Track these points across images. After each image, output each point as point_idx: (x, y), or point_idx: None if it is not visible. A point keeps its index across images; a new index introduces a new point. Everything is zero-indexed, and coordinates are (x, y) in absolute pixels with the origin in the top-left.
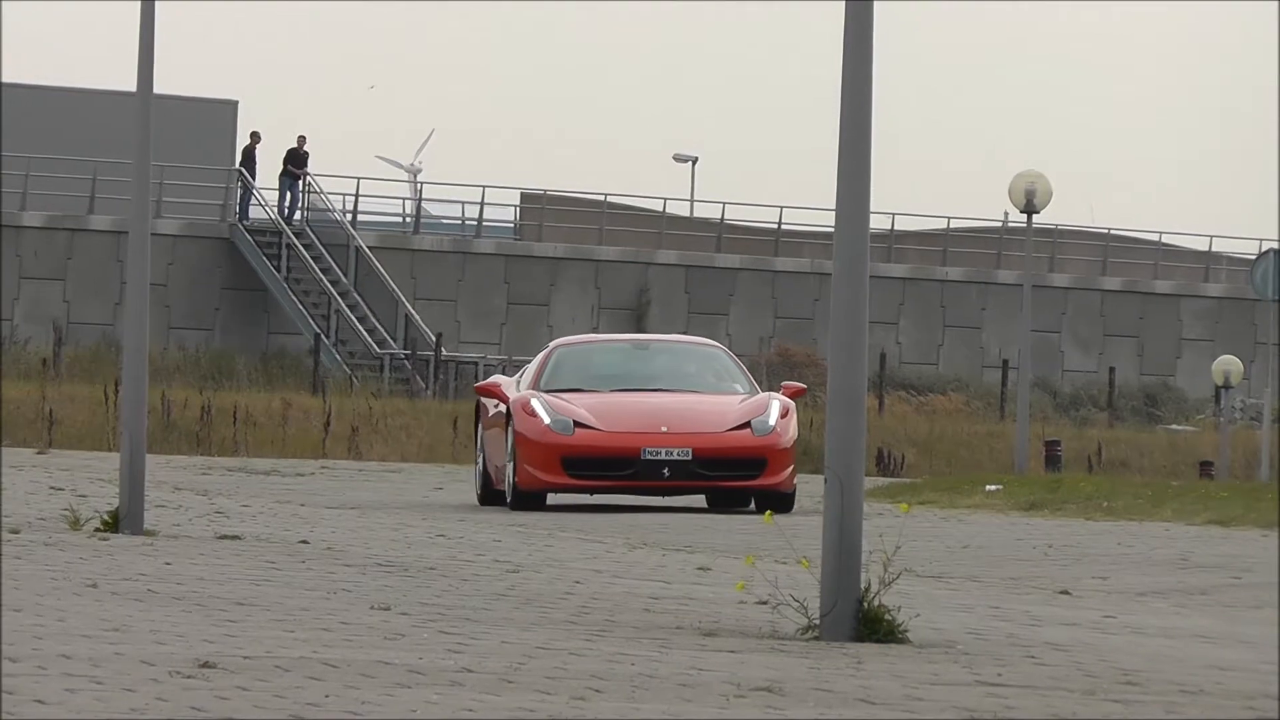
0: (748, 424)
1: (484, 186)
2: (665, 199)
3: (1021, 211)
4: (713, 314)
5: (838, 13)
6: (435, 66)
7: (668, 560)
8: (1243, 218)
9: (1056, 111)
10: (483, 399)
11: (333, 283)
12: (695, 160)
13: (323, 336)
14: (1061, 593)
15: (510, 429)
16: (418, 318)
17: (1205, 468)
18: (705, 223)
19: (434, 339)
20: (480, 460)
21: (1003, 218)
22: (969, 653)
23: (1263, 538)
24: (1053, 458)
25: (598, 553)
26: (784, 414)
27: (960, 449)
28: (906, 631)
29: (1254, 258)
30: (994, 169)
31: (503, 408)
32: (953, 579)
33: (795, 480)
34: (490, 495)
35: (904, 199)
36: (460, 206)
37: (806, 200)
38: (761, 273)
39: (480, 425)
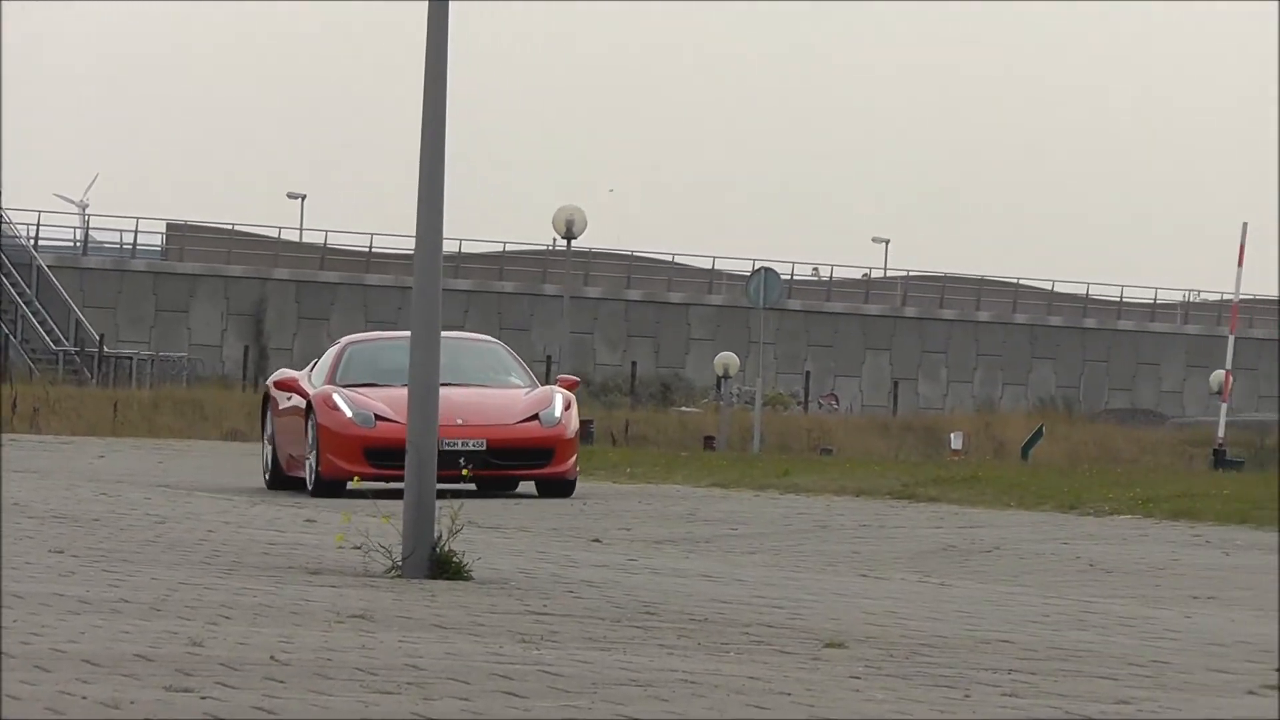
0: (536, 416)
1: (138, 217)
2: (280, 227)
3: (563, 237)
4: (317, 319)
5: (417, 65)
6: (101, 120)
7: (282, 514)
8: (741, 240)
9: (597, 149)
10: (273, 392)
11: (19, 294)
12: (304, 197)
13: (10, 336)
14: (594, 540)
15: (311, 421)
16: (86, 322)
17: (709, 441)
18: (312, 246)
19: (98, 338)
20: (269, 449)
21: (550, 242)
22: (520, 588)
23: (754, 497)
24: (587, 434)
25: (226, 507)
26: (567, 406)
27: None
28: (471, 571)
29: (749, 274)
30: (543, 200)
31: (300, 401)
32: (507, 529)
33: (578, 468)
34: (280, 481)
35: (468, 226)
36: (119, 234)
37: (393, 228)
38: (356, 286)
39: (270, 416)
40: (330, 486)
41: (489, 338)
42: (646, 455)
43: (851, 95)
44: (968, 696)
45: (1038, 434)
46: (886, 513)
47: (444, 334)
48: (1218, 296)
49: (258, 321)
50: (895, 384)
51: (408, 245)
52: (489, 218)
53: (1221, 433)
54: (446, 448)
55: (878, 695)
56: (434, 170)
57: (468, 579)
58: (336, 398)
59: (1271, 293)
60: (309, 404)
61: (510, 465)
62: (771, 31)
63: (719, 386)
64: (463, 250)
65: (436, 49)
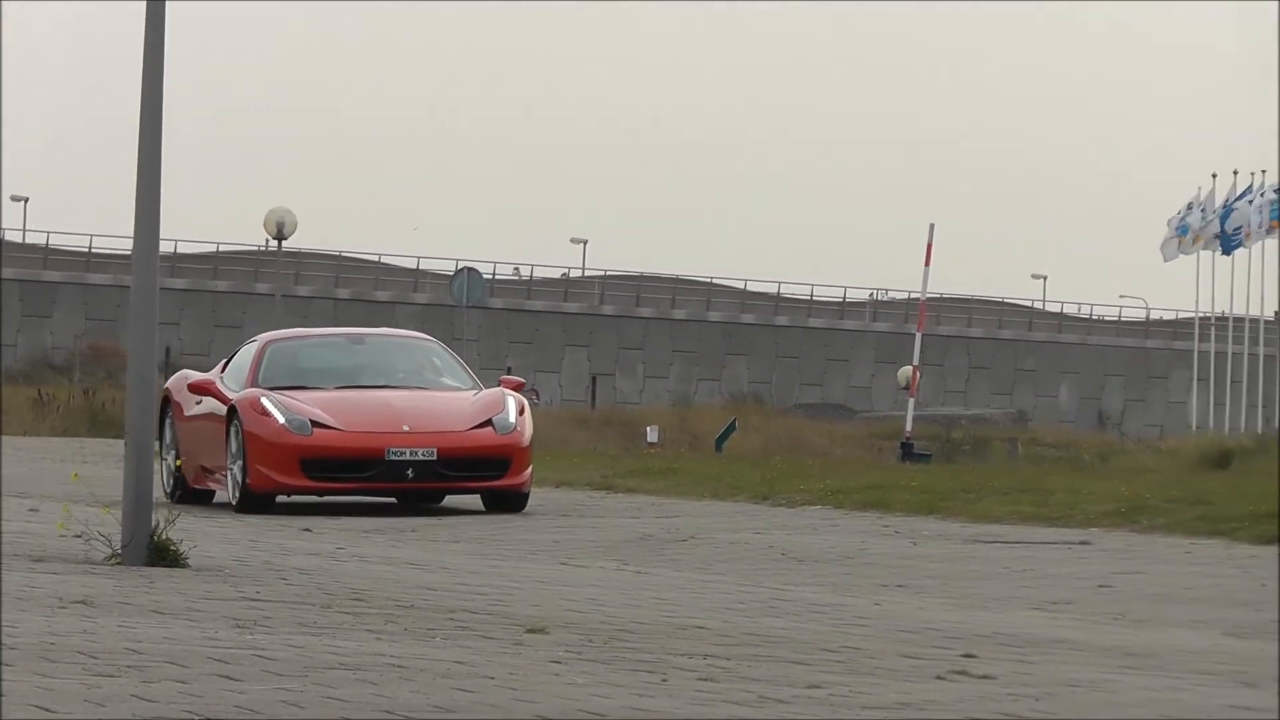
0: (489, 422)
1: None
2: (4, 229)
3: (274, 238)
4: (39, 317)
5: (136, 65)
6: None
7: (8, 505)
8: (441, 241)
9: (307, 152)
10: (176, 396)
11: None
12: (27, 199)
13: None
14: (305, 529)
15: (234, 428)
16: None
17: None
18: (36, 248)
19: None
20: (170, 459)
21: (262, 243)
22: (235, 575)
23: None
24: None
25: None
26: (520, 410)
27: None
28: (187, 559)
29: (452, 273)
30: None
31: (217, 406)
32: (221, 518)
33: (531, 480)
34: (186, 495)
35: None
36: None
37: (116, 230)
38: (77, 285)
39: (171, 423)
40: (259, 500)
41: (423, 335)
42: None
43: (549, 99)
44: (665, 680)
45: (731, 427)
46: (586, 503)
47: (374, 331)
48: (905, 295)
49: None
50: (594, 379)
51: (126, 246)
52: (203, 219)
53: (909, 426)
54: (393, 457)
55: (578, 679)
56: (151, 174)
57: (185, 566)
58: (266, 402)
59: (958, 291)
60: (231, 409)
61: (462, 477)
62: (473, 36)
63: None
64: (178, 251)
65: (154, 68)
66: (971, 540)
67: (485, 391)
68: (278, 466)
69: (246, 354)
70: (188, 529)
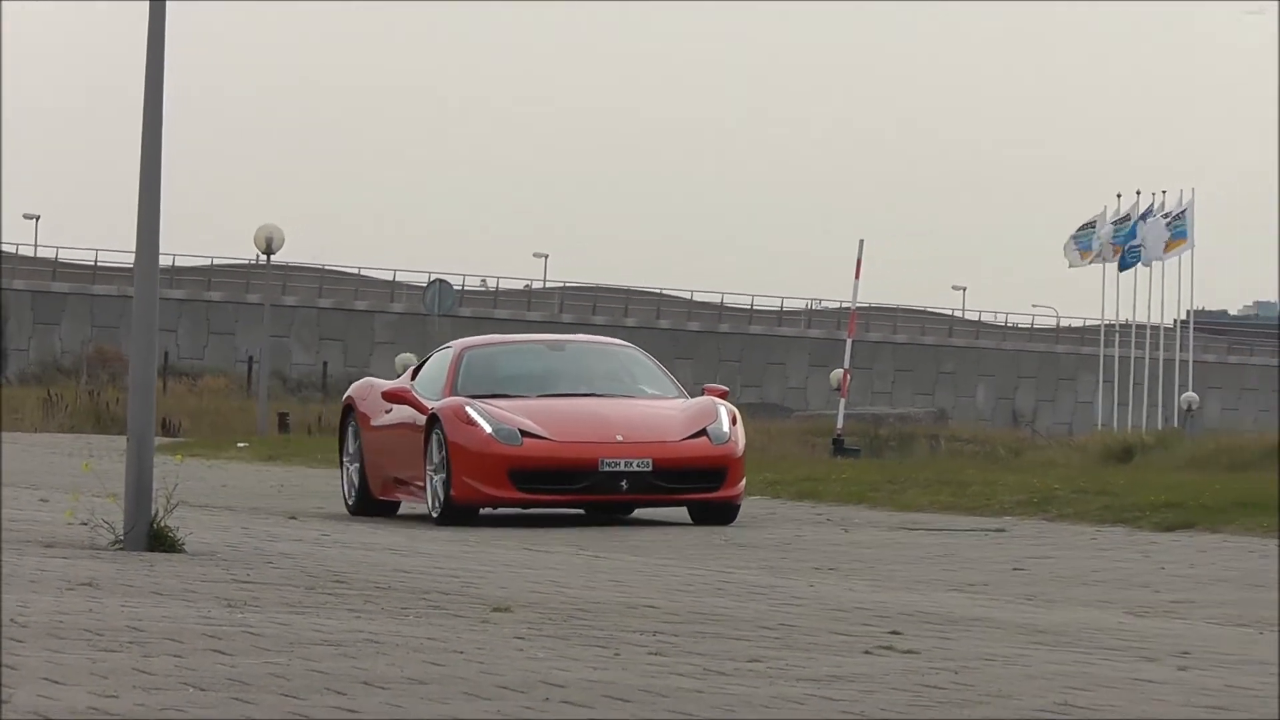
0: (704, 431)
1: None
2: (18, 244)
3: (263, 252)
4: (48, 324)
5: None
6: None
7: (20, 496)
8: (417, 254)
9: (294, 173)
10: (359, 405)
11: None
12: (38, 217)
13: None
14: (291, 517)
15: (436, 438)
16: None
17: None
18: (46, 261)
19: None
20: (355, 468)
21: (253, 256)
22: (227, 559)
23: None
24: (284, 425)
25: None
26: (733, 420)
27: (220, 418)
28: (184, 544)
29: (425, 285)
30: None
31: (413, 415)
32: (214, 508)
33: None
34: (368, 506)
35: (180, 242)
36: None
37: (119, 245)
38: (84, 296)
39: (356, 432)
40: (462, 512)
41: (623, 341)
42: (336, 444)
43: (512, 124)
44: (618, 655)
45: None
46: None
47: (573, 337)
48: (837, 305)
49: None
50: None
51: (128, 259)
52: (198, 234)
53: (840, 424)
54: (607, 469)
55: (539, 654)
56: (151, 193)
57: (181, 551)
58: (471, 411)
59: (885, 301)
60: (432, 418)
61: (677, 489)
62: (437, 67)
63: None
64: (176, 264)
65: (154, 98)
66: (897, 528)
67: (695, 400)
68: (485, 478)
69: (440, 361)
70: (184, 517)
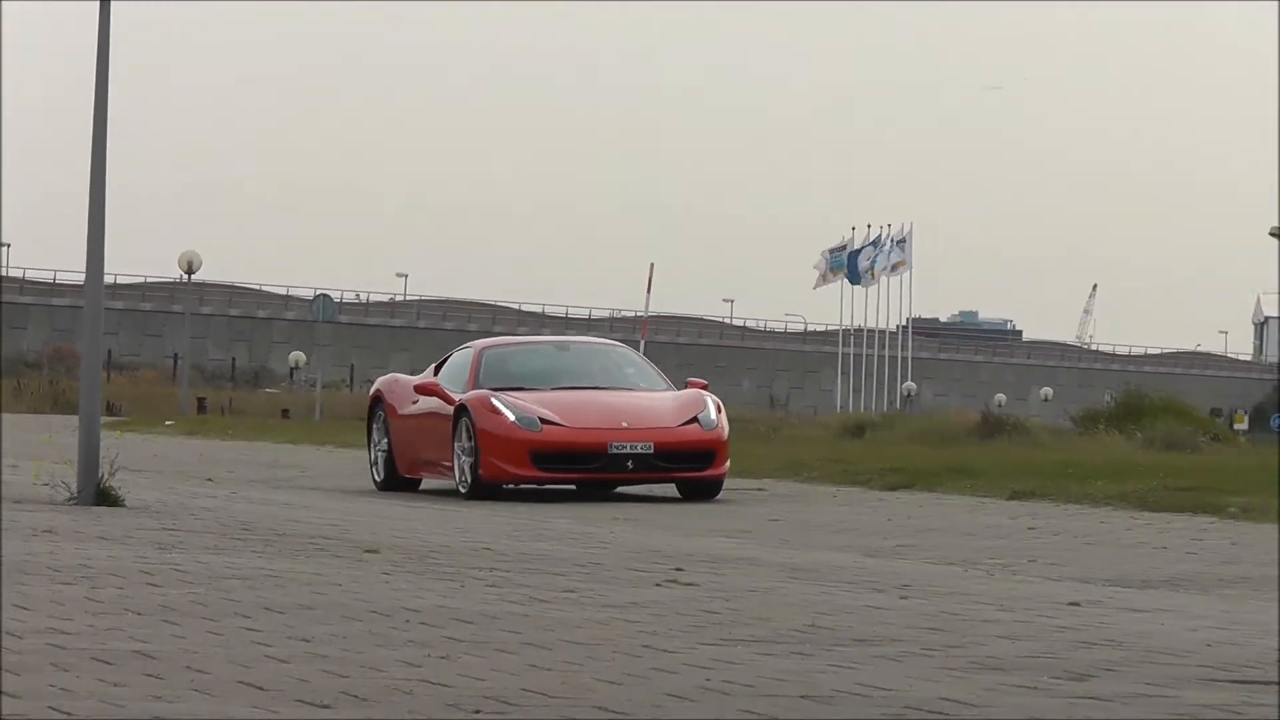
0: (695, 419)
1: None
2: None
3: (185, 273)
4: (18, 329)
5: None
6: None
7: None
8: (305, 273)
9: (208, 201)
10: (387, 396)
11: None
12: (9, 245)
13: None
14: (208, 480)
15: (464, 425)
16: None
17: (285, 413)
18: (15, 280)
19: None
20: (382, 448)
21: (178, 275)
22: (158, 512)
23: (316, 450)
24: (202, 407)
25: None
26: (718, 409)
27: (151, 402)
28: (124, 501)
29: (312, 297)
30: (174, 242)
31: (441, 405)
32: (148, 471)
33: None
34: (395, 482)
35: (120, 263)
36: None
37: (73, 265)
38: (45, 306)
39: (384, 417)
40: (489, 489)
41: (615, 342)
42: (243, 423)
43: (376, 168)
44: (462, 587)
45: None
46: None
47: (576, 339)
48: (633, 314)
49: None
50: (412, 373)
51: (80, 277)
52: (134, 256)
53: None
54: (615, 451)
55: (401, 586)
56: (97, 224)
57: (122, 506)
58: (496, 401)
59: (670, 310)
60: (460, 408)
61: (674, 468)
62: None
63: (292, 375)
64: (117, 281)
65: (99, 142)
66: None
67: (684, 391)
68: (510, 459)
69: (462, 359)
70: (124, 479)
